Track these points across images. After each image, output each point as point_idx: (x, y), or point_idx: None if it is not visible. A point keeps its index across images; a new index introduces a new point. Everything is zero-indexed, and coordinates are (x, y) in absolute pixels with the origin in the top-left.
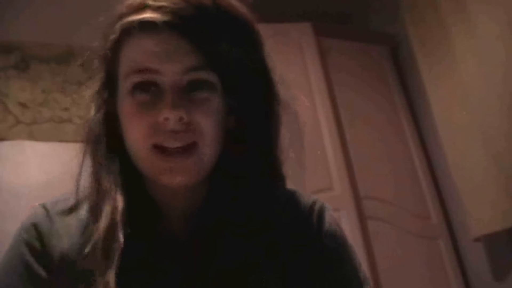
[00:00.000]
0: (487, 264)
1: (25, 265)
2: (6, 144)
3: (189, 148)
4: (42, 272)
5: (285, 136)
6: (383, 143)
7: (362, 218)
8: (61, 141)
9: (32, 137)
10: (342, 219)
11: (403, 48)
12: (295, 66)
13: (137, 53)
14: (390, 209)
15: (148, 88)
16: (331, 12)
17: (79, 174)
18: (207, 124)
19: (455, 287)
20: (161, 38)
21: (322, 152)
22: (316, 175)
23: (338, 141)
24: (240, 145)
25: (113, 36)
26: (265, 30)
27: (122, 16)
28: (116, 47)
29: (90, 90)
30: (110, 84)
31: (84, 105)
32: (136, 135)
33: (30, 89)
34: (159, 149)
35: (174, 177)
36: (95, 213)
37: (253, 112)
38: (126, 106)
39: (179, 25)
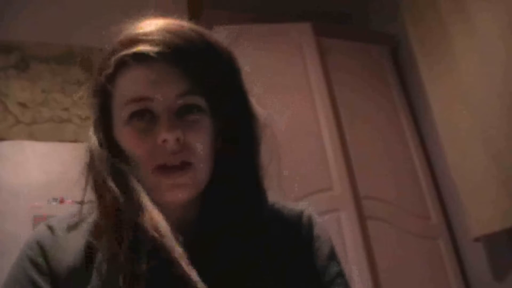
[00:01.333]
0: (487, 264)
1: (30, 281)
2: (6, 144)
3: (186, 166)
4: None
5: (265, 152)
6: (383, 143)
7: (362, 218)
8: (61, 141)
9: (32, 137)
10: (342, 219)
11: (403, 48)
12: (295, 66)
13: (131, 83)
14: (390, 209)
15: (144, 116)
16: (331, 12)
17: (82, 202)
18: (200, 143)
19: (455, 287)
20: (153, 68)
21: (322, 152)
22: (316, 175)
23: (338, 141)
24: (227, 163)
25: (108, 71)
26: (265, 30)
27: (115, 51)
28: (110, 80)
29: (90, 123)
30: (105, 115)
31: (84, 106)
32: (138, 160)
33: (30, 89)
34: (161, 168)
35: (177, 193)
36: (101, 243)
37: (236, 132)
38: (125, 134)
39: (169, 55)
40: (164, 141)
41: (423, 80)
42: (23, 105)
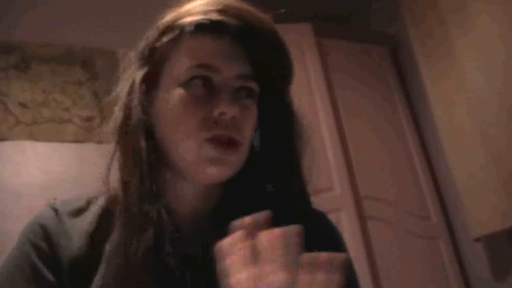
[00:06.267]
0: (487, 264)
1: (31, 266)
2: (6, 145)
3: (234, 144)
4: (50, 276)
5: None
6: (383, 143)
7: (362, 218)
8: (61, 141)
9: (32, 137)
10: (342, 219)
11: (403, 48)
12: (295, 66)
13: (201, 48)
14: (390, 209)
15: (204, 83)
16: (331, 12)
17: (110, 164)
18: (248, 128)
19: (455, 287)
20: (223, 41)
21: (322, 152)
22: (316, 175)
23: (338, 141)
24: (253, 157)
25: (174, 32)
26: None
27: (185, 15)
28: (173, 43)
29: (124, 84)
30: (151, 78)
31: (85, 105)
32: (187, 127)
33: (30, 89)
34: (211, 141)
35: (216, 168)
36: (130, 224)
37: (277, 130)
38: (177, 97)
39: (241, 31)
40: (222, 113)
41: (423, 80)
42: (23, 105)
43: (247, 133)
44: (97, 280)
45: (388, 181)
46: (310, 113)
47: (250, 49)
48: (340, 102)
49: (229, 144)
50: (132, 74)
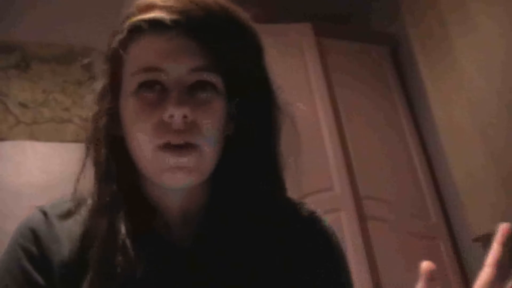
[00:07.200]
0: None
1: (22, 270)
2: (6, 144)
3: (192, 148)
4: (40, 280)
5: (284, 141)
6: (383, 143)
7: (362, 218)
8: (61, 141)
9: (32, 137)
10: (342, 219)
11: (403, 48)
12: (295, 66)
13: (143, 51)
14: (390, 209)
15: (153, 87)
16: (331, 12)
17: (79, 176)
18: (209, 125)
19: (455, 287)
20: (168, 37)
21: (322, 152)
22: (316, 175)
23: (338, 141)
24: (238, 151)
25: (120, 36)
26: (265, 30)
27: (130, 16)
28: (123, 46)
29: (94, 92)
30: (113, 86)
31: (85, 106)
32: (141, 135)
33: (30, 89)
34: (164, 147)
35: (178, 176)
36: (95, 223)
37: (254, 118)
38: (130, 106)
39: (186, 25)
40: (171, 116)
41: (423, 80)
42: (23, 105)
43: (209, 130)
44: (86, 282)
45: (388, 181)
46: (310, 113)
47: (205, 40)
48: (340, 102)
49: (185, 148)
50: (98, 83)
